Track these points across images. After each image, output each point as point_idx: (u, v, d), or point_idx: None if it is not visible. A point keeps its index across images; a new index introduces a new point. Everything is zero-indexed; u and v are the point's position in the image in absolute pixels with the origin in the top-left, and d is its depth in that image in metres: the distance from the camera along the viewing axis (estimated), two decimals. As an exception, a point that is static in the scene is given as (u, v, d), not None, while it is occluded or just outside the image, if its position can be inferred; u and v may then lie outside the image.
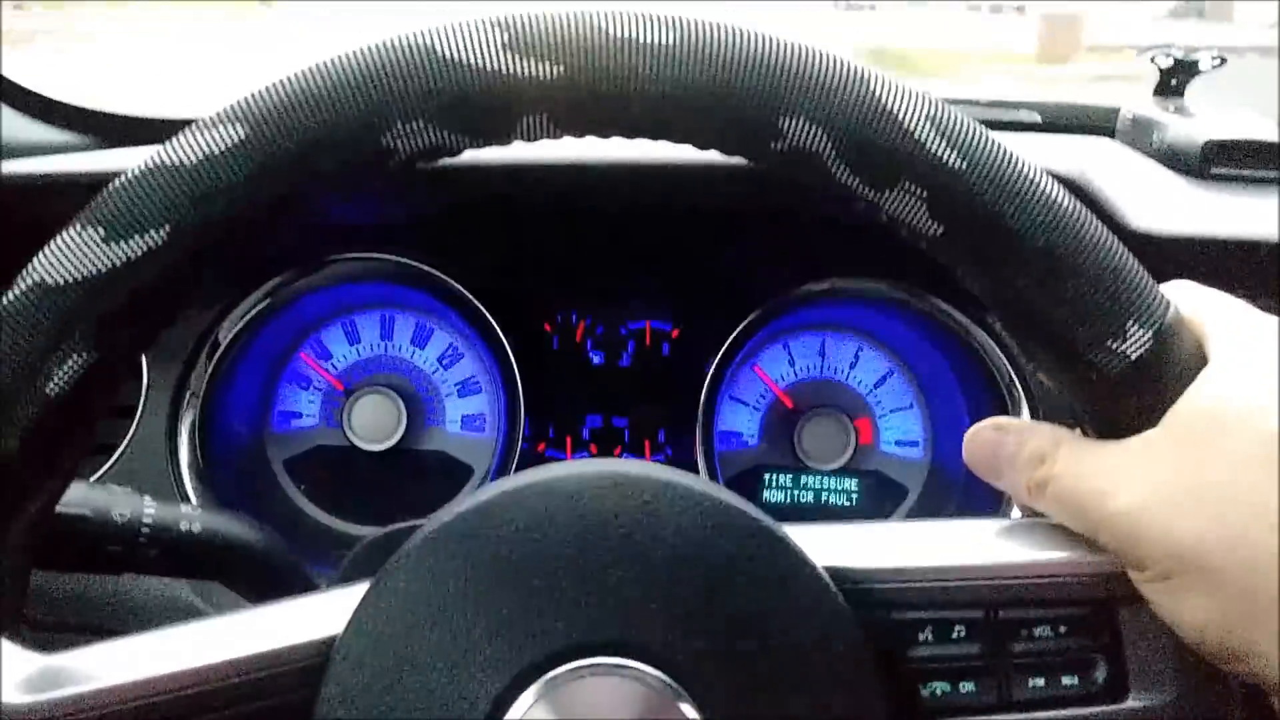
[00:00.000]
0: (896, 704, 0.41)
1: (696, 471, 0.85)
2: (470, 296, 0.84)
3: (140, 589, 0.75)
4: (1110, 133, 1.08)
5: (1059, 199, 0.37)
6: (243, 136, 0.35)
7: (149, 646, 0.41)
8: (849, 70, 0.36)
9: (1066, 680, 0.42)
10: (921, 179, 0.36)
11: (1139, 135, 1.02)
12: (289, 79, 0.36)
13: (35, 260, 0.36)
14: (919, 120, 0.36)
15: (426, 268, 0.84)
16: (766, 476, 0.93)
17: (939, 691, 0.42)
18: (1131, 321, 0.37)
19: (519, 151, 0.75)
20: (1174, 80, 1.11)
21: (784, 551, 0.40)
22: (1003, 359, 0.83)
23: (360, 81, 0.35)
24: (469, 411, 0.92)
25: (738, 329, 0.85)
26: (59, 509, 0.43)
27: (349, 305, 0.91)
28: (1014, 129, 1.14)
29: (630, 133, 0.37)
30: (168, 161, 0.36)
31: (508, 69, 0.35)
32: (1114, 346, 0.37)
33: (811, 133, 0.36)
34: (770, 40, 0.36)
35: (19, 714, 0.38)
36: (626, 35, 0.36)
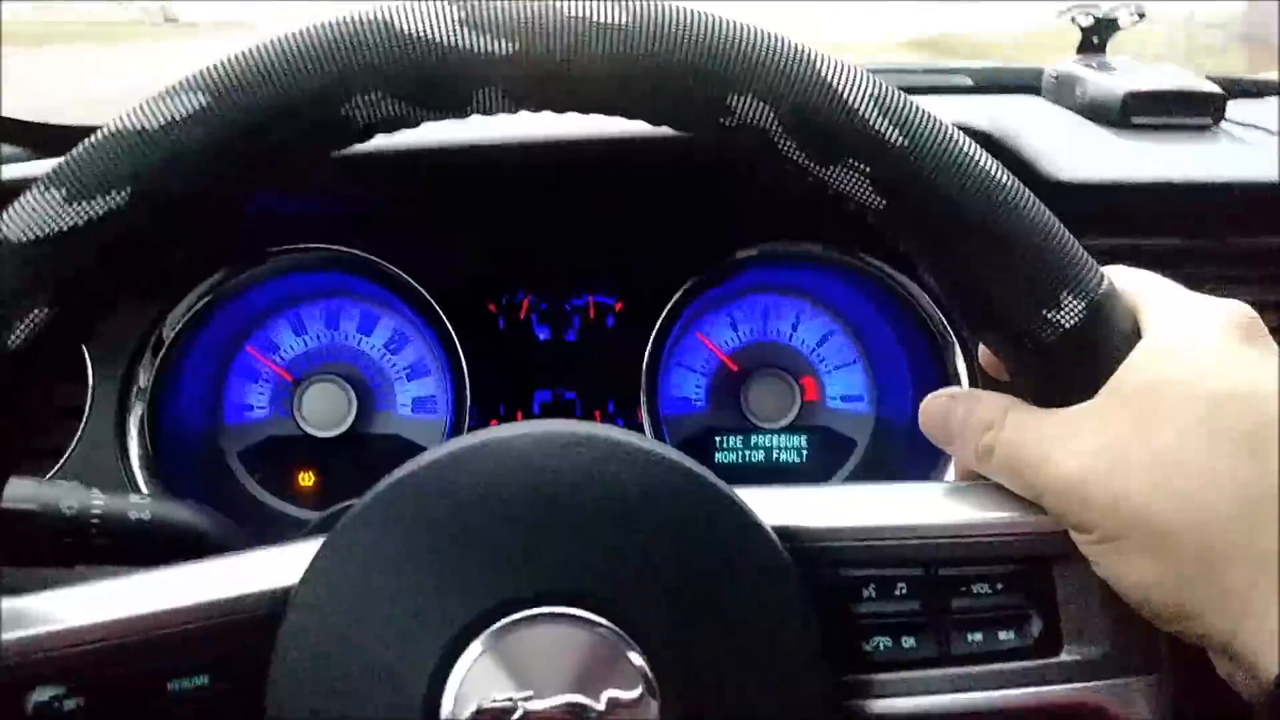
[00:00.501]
0: (841, 658, 0.43)
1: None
2: (413, 282, 0.84)
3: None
4: (1037, 91, 1.10)
5: (997, 174, 0.38)
6: (204, 103, 0.36)
7: (109, 591, 0.42)
8: (795, 49, 0.38)
9: (1003, 635, 0.43)
10: (864, 155, 0.38)
11: (1062, 91, 1.05)
12: (251, 50, 0.37)
13: None
14: (862, 98, 0.38)
15: (369, 256, 0.84)
16: (717, 439, 0.95)
17: (882, 646, 0.43)
18: (1066, 292, 0.38)
19: (452, 133, 0.76)
20: (1095, 38, 1.13)
21: (731, 509, 0.42)
22: (938, 313, 0.85)
23: (320, 53, 0.37)
24: (419, 394, 0.93)
25: (674, 296, 0.86)
26: (5, 504, 0.43)
27: (294, 296, 0.92)
28: (946, 92, 1.16)
29: (582, 108, 0.39)
30: (131, 126, 0.37)
31: (463, 44, 0.37)
32: (1049, 315, 0.39)
33: (759, 109, 0.37)
34: (719, 20, 0.38)
35: None
36: (579, 14, 0.37)
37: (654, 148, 0.76)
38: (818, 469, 0.95)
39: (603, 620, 0.40)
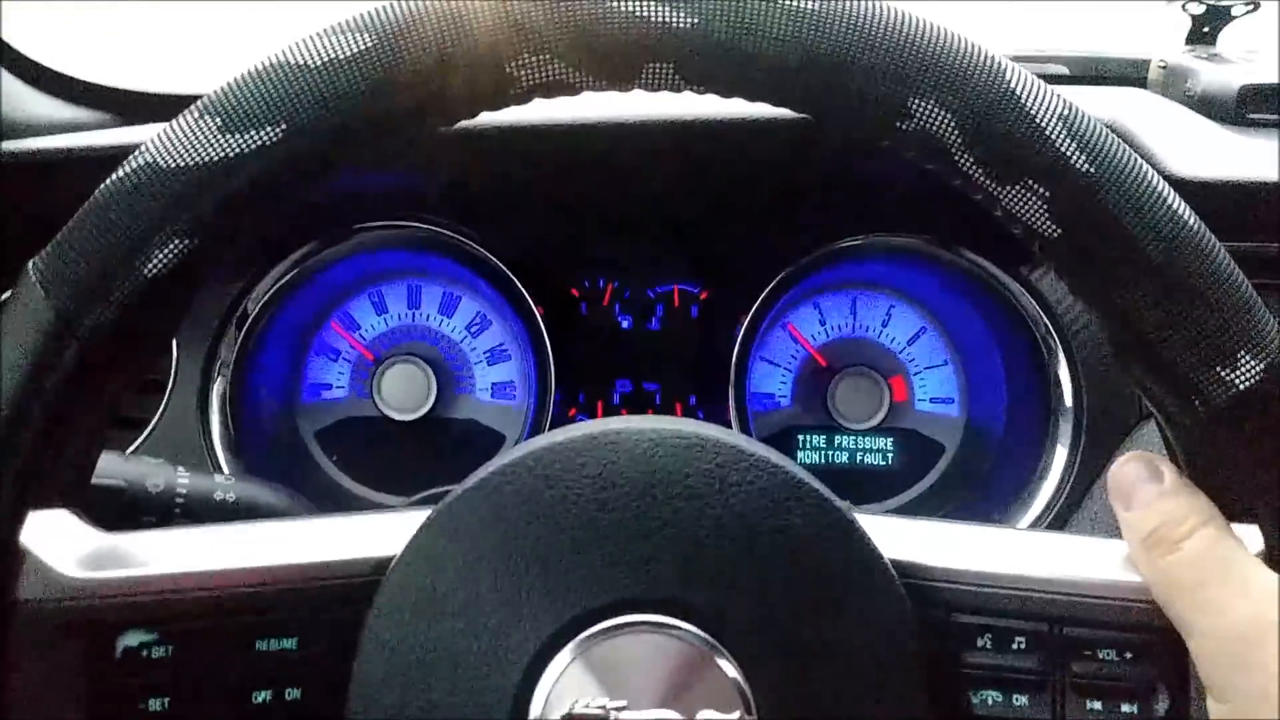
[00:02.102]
0: (945, 705, 0.41)
1: None
2: (498, 263, 0.83)
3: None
4: (1142, 83, 1.06)
5: (1183, 214, 0.35)
6: (368, 45, 0.35)
7: (210, 540, 0.42)
8: (985, 57, 0.35)
9: (1125, 708, 0.40)
10: (1046, 178, 0.35)
11: (1172, 84, 1.00)
12: None
13: (149, 141, 0.36)
14: (1051, 117, 0.35)
15: (453, 235, 0.83)
16: (800, 437, 0.92)
17: (990, 700, 0.41)
18: (1245, 351, 0.35)
19: (544, 112, 0.74)
20: (1206, 27, 1.09)
21: (851, 535, 0.40)
22: (1039, 312, 0.81)
23: (491, 7, 0.35)
24: (499, 379, 0.92)
25: (767, 289, 0.83)
26: (94, 479, 0.43)
27: (376, 275, 0.90)
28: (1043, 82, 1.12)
29: (753, 95, 0.37)
30: (292, 60, 0.35)
31: (643, 13, 0.35)
32: (1223, 374, 0.36)
33: (940, 117, 0.35)
34: (909, 18, 0.35)
35: (75, 588, 0.39)
36: None
37: (745, 134, 0.74)
38: (904, 473, 0.92)
39: (706, 635, 0.38)
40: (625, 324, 0.90)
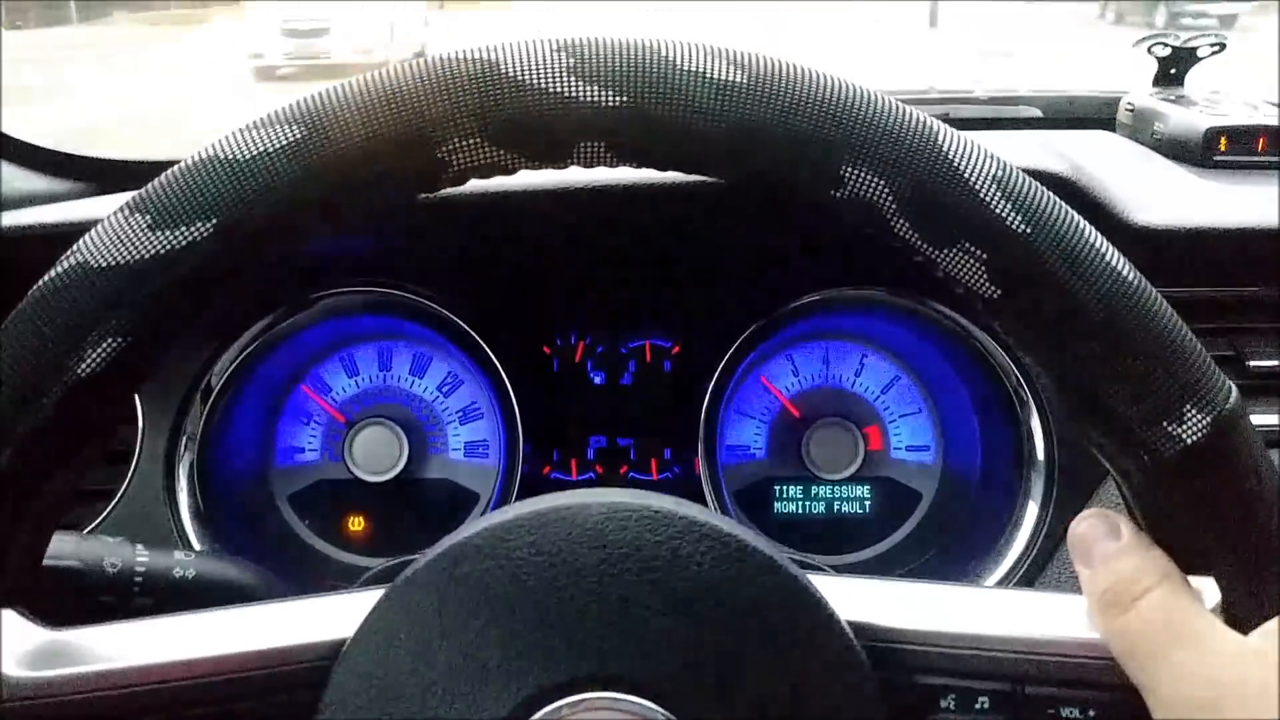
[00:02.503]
0: None
1: (700, 487, 0.84)
2: (465, 326, 0.83)
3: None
4: (1111, 124, 1.07)
5: (1123, 271, 0.35)
6: (298, 137, 0.35)
7: (156, 631, 0.41)
8: (916, 122, 0.35)
9: None
10: (982, 240, 0.35)
11: (1139, 126, 1.01)
12: (348, 85, 0.36)
13: (80, 242, 0.36)
14: (984, 180, 0.35)
15: (420, 299, 0.83)
16: (776, 488, 0.92)
17: None
18: (1190, 405, 0.35)
19: (501, 180, 0.74)
20: (1173, 69, 1.09)
21: (808, 601, 0.39)
22: (1009, 362, 0.81)
23: (420, 93, 0.35)
24: (471, 438, 0.91)
25: (738, 341, 0.83)
26: (48, 561, 0.42)
27: (346, 338, 0.90)
28: (1014, 125, 1.12)
29: (687, 168, 0.37)
30: (221, 155, 0.35)
31: (570, 93, 0.35)
32: (1169, 429, 0.35)
33: (874, 184, 0.35)
34: (839, 84, 0.35)
35: (18, 688, 0.38)
36: (693, 69, 0.35)
37: (713, 191, 0.74)
38: (880, 521, 0.91)
39: (663, 711, 0.38)
40: (598, 380, 0.90)
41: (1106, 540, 0.39)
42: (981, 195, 0.35)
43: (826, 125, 0.35)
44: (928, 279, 0.80)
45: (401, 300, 0.83)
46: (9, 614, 0.39)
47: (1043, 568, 0.78)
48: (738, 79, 0.35)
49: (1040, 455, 0.79)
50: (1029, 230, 0.35)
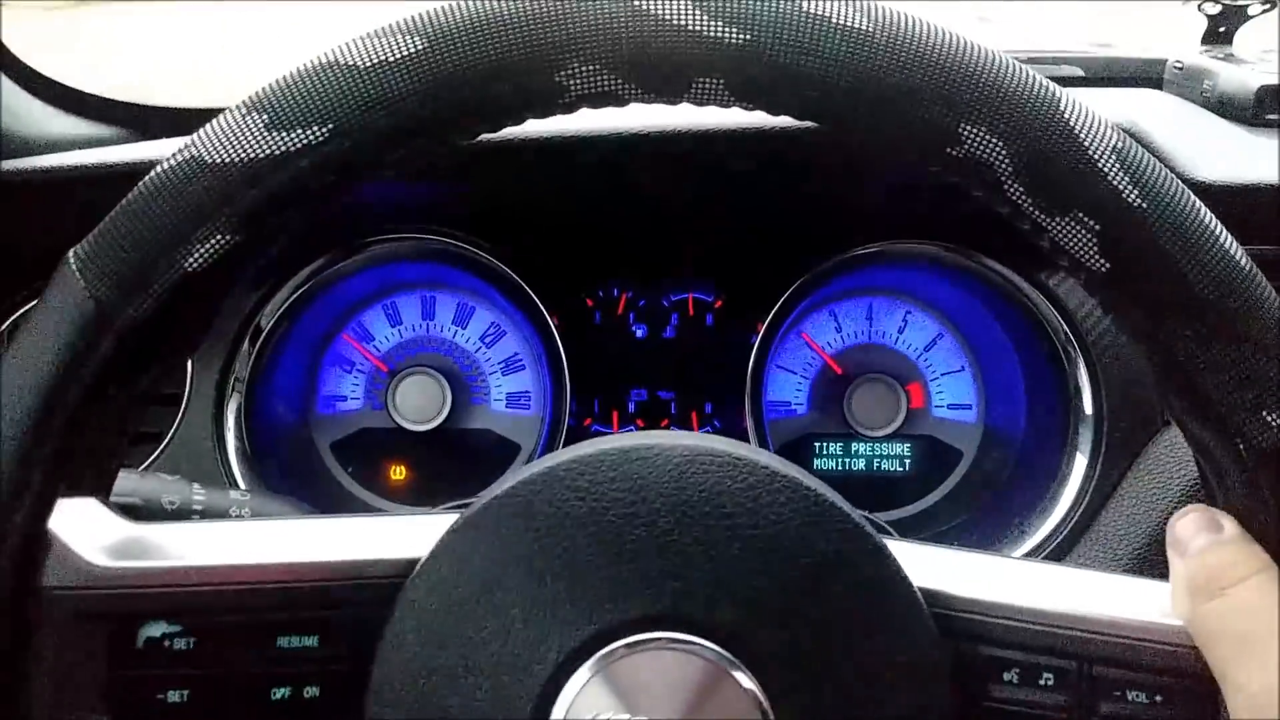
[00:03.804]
0: None
1: (746, 441, 0.84)
2: (511, 273, 0.82)
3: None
4: (1158, 84, 1.05)
5: (1235, 254, 0.35)
6: (420, 48, 0.35)
7: (236, 535, 0.42)
8: (1039, 86, 0.35)
9: None
10: (1097, 211, 0.34)
11: (1188, 84, 0.99)
12: (473, 1, 0.35)
13: (195, 136, 0.36)
14: (1104, 150, 0.34)
15: (466, 246, 0.82)
16: (817, 445, 0.92)
17: None
18: None
19: (555, 123, 0.74)
20: (1222, 27, 1.08)
21: (882, 561, 0.39)
22: (1058, 318, 0.81)
23: (545, 13, 0.35)
24: (514, 389, 0.91)
25: (783, 296, 0.83)
26: (110, 498, 0.43)
27: (389, 286, 0.90)
28: (1057, 84, 1.11)
29: (803, 115, 0.36)
30: (341, 61, 0.35)
31: (694, 26, 0.34)
32: (1269, 418, 0.35)
33: (992, 145, 0.35)
34: (964, 42, 0.35)
35: (100, 576, 0.39)
36: (820, 13, 0.34)
37: (760, 142, 0.73)
38: (922, 479, 0.91)
39: (730, 655, 0.38)
40: (640, 333, 0.89)
41: (1205, 533, 0.39)
42: (1100, 165, 0.34)
43: (949, 82, 0.34)
44: (976, 234, 0.80)
45: (446, 248, 0.83)
46: (94, 503, 0.40)
47: (1089, 525, 0.78)
48: (864, 26, 0.34)
49: (1089, 410, 0.79)
50: (1145, 205, 0.34)
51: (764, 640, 0.38)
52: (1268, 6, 1.07)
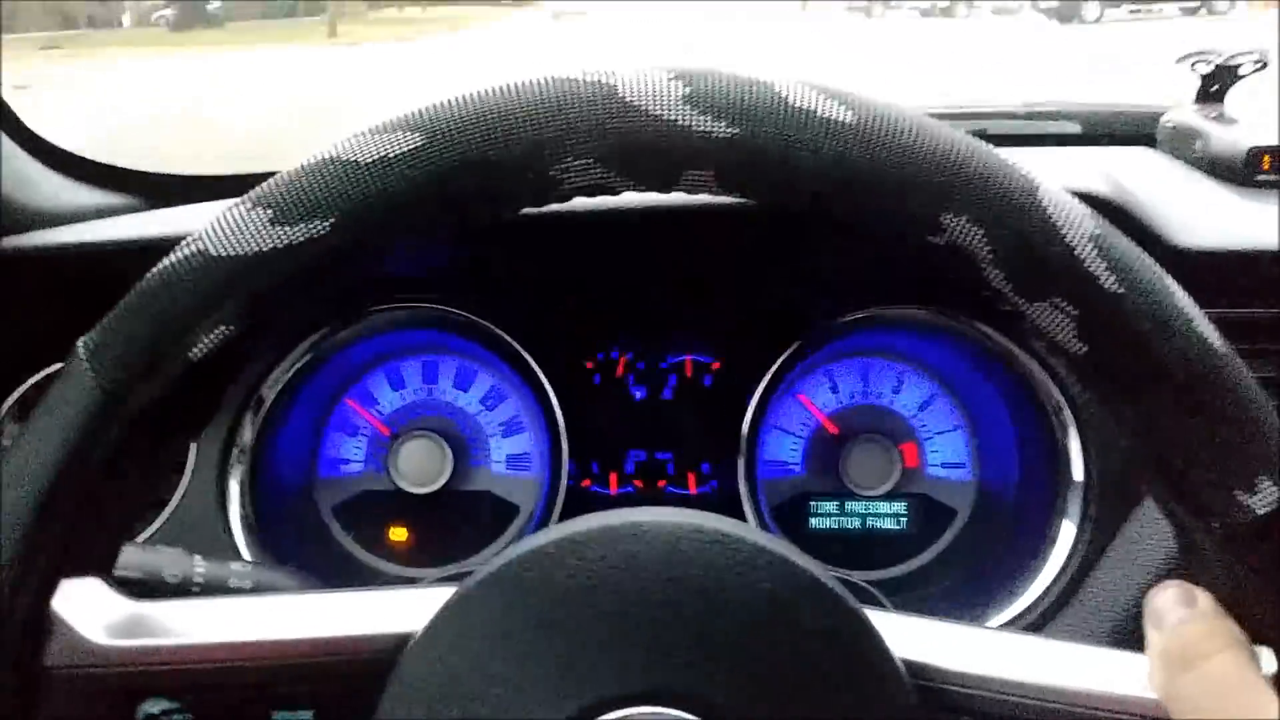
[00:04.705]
0: None
1: (740, 502, 0.85)
2: (510, 340, 0.84)
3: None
4: (1151, 140, 1.06)
5: (1209, 338, 0.36)
6: (419, 144, 0.36)
7: (234, 611, 0.43)
8: (1018, 176, 0.36)
9: None
10: (1074, 297, 0.36)
11: (1180, 144, 1.01)
12: (469, 96, 0.37)
13: (201, 230, 0.37)
14: (1081, 238, 0.35)
15: (466, 314, 0.84)
16: (813, 504, 0.92)
17: None
18: (1265, 476, 0.35)
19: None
20: (1214, 86, 1.09)
21: (867, 639, 0.40)
22: (1049, 383, 0.82)
23: (539, 110, 0.36)
24: (514, 451, 0.93)
25: (780, 359, 0.84)
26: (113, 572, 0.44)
27: (392, 352, 0.91)
28: (1054, 142, 1.12)
29: (788, 203, 0.37)
30: (343, 156, 0.37)
31: (684, 120, 0.36)
32: (1241, 498, 0.36)
33: (973, 233, 0.36)
34: (945, 133, 0.36)
35: (102, 655, 0.40)
36: (806, 107, 0.36)
37: (755, 210, 0.74)
38: (916, 537, 0.92)
39: None
40: (639, 395, 0.90)
41: (1181, 607, 0.40)
42: (1077, 253, 0.35)
43: (931, 172, 0.35)
44: (970, 300, 0.81)
45: (447, 315, 0.84)
46: (97, 583, 0.41)
47: (1077, 588, 0.78)
48: (848, 119, 0.35)
49: (1078, 476, 0.80)
50: (1121, 291, 0.35)
51: (752, 716, 0.39)
52: (1259, 66, 1.09)
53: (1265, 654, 0.38)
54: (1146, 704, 0.40)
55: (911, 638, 0.42)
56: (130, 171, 0.92)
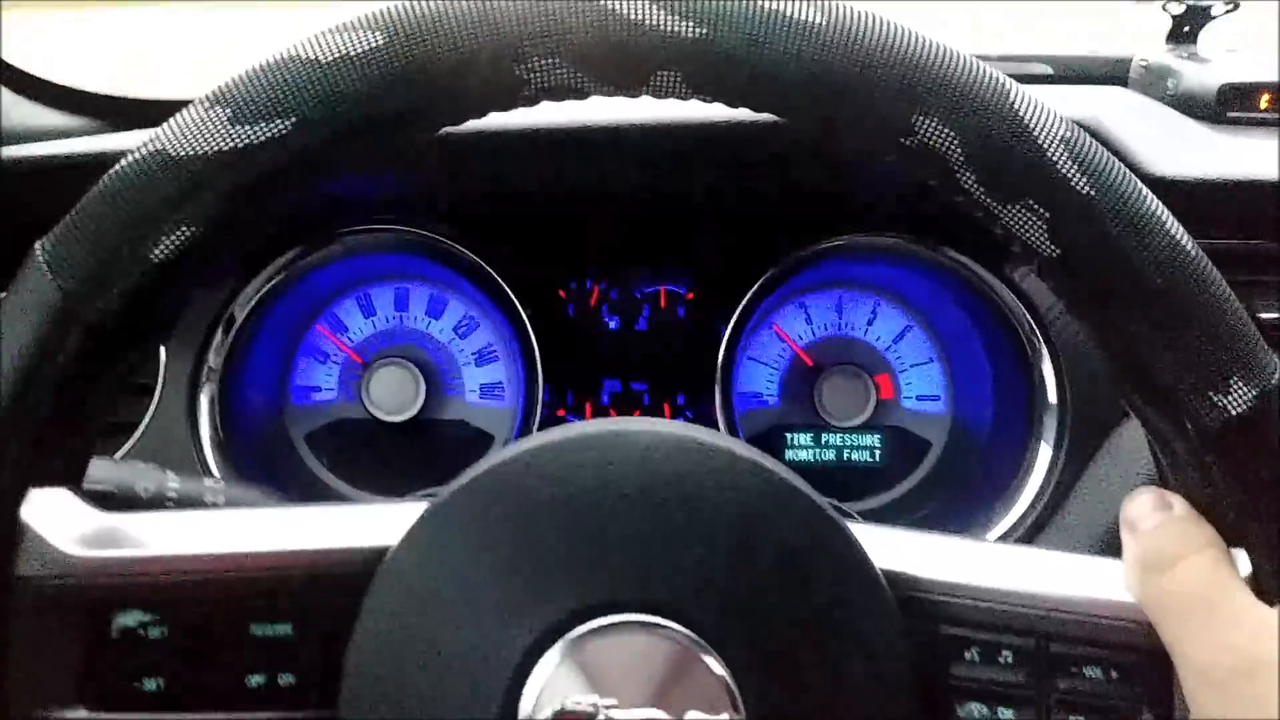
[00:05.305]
0: (931, 716, 0.41)
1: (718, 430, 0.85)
2: (484, 265, 0.83)
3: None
4: (1123, 82, 1.07)
5: (1182, 240, 0.36)
6: (380, 43, 0.35)
7: (209, 524, 0.42)
8: (989, 77, 0.36)
9: None
10: (1047, 199, 0.35)
11: (1152, 83, 1.01)
12: None
13: (159, 130, 0.36)
14: (1054, 140, 0.35)
15: (440, 238, 0.83)
16: (788, 435, 0.93)
17: (976, 713, 0.41)
18: (1237, 376, 0.35)
19: (527, 116, 0.74)
20: (1186, 26, 1.10)
21: (844, 543, 0.40)
22: (1024, 312, 0.82)
23: (504, 9, 0.35)
24: (487, 380, 0.92)
25: (753, 288, 0.84)
26: (84, 485, 0.43)
27: (363, 278, 0.91)
28: (1025, 82, 1.12)
29: (757, 106, 0.37)
30: (303, 55, 0.36)
31: (652, 21, 0.35)
32: (1215, 399, 0.36)
33: (944, 135, 0.35)
34: (914, 35, 0.36)
35: (74, 566, 0.39)
36: (775, 8, 0.35)
37: (730, 135, 0.74)
38: (891, 470, 0.93)
39: (696, 637, 0.39)
40: (613, 325, 0.90)
41: (1156, 512, 0.40)
42: (1049, 155, 0.35)
43: (902, 73, 0.35)
44: (942, 227, 0.82)
45: (421, 239, 0.83)
46: (67, 494, 0.40)
47: (1053, 512, 0.79)
48: (817, 20, 0.35)
49: (1053, 400, 0.80)
50: (1094, 193, 0.35)
51: (729, 621, 0.39)
52: (1231, 7, 1.09)
53: (1240, 555, 0.38)
54: (1122, 606, 0.40)
55: (890, 547, 0.42)
56: (90, 94, 0.90)
